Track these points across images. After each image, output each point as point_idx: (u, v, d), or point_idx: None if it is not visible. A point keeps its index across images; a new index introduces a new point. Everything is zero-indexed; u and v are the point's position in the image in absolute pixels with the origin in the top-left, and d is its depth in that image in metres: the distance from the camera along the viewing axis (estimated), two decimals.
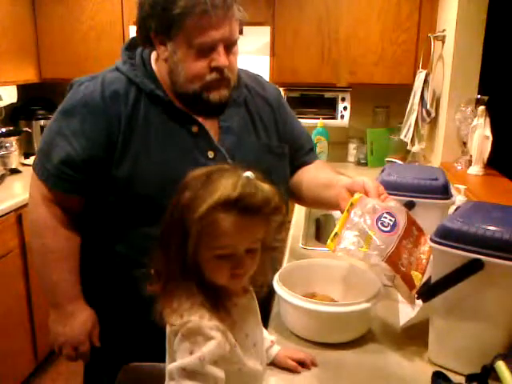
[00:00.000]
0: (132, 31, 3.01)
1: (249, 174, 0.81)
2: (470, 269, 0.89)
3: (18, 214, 2.40)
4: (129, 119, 1.16)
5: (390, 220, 1.00)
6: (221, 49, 1.14)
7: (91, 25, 3.04)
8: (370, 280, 1.20)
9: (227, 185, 0.78)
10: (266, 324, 1.18)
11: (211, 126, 1.24)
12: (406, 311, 1.13)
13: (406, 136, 2.73)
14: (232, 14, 1.13)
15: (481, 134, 2.15)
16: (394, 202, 1.07)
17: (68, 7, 3.04)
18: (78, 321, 1.23)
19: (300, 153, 1.43)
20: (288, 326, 1.16)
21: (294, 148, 1.40)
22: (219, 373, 0.77)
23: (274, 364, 1.03)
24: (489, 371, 0.89)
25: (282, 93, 1.45)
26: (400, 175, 1.33)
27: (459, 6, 2.33)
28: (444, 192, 1.30)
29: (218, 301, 0.81)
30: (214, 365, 0.77)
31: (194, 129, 1.21)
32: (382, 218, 1.00)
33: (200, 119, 1.22)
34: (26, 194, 2.46)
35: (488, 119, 2.16)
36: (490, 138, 2.15)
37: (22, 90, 3.12)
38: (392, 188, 1.26)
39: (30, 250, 2.45)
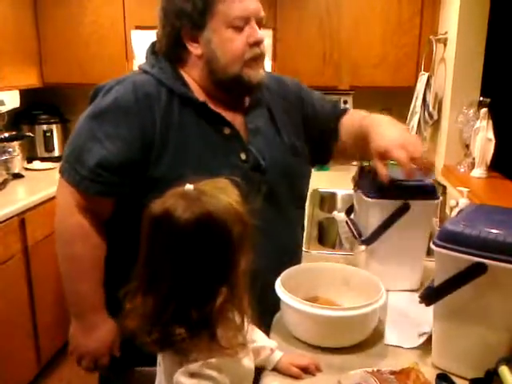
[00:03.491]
0: (135, 35, 3.02)
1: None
2: (473, 272, 0.89)
3: (21, 219, 2.41)
4: (164, 120, 1.16)
5: None
6: (254, 23, 1.18)
7: (93, 29, 3.05)
8: (373, 283, 1.19)
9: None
10: (268, 328, 1.18)
11: (240, 128, 1.25)
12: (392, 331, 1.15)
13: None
14: None
15: (483, 137, 2.15)
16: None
17: (70, 11, 3.05)
18: (100, 333, 1.20)
19: (330, 117, 1.46)
20: (290, 330, 1.16)
21: (322, 118, 1.44)
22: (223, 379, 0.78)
23: (277, 370, 1.03)
24: (492, 376, 0.88)
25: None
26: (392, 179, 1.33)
27: (461, 8, 2.33)
28: (432, 192, 1.33)
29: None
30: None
31: (226, 131, 1.23)
32: None
33: (230, 117, 1.24)
34: (28, 199, 2.50)
35: (491, 121, 2.15)
36: (493, 141, 2.14)
37: (25, 94, 3.12)
38: (385, 192, 1.28)
39: (34, 255, 2.46)
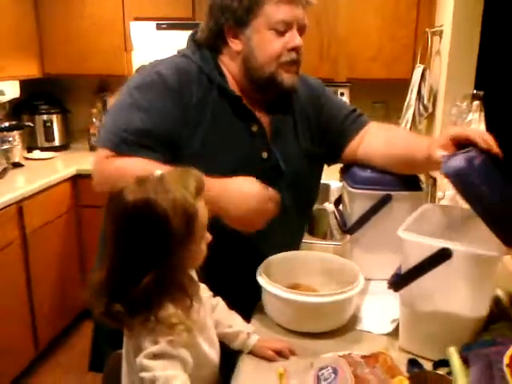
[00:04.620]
0: (134, 27, 3.04)
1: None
2: (438, 258, 0.91)
3: (19, 207, 2.45)
4: (200, 105, 1.20)
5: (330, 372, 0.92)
6: (295, 30, 1.21)
7: (93, 21, 3.07)
8: (352, 272, 1.22)
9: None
10: (249, 314, 1.22)
11: (265, 127, 1.29)
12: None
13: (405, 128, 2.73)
14: None
15: (471, 128, 2.15)
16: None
17: (70, 3, 3.08)
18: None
19: (347, 123, 1.43)
20: (270, 316, 1.19)
21: (339, 123, 1.42)
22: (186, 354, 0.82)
23: (253, 353, 1.06)
24: None
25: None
26: (374, 170, 1.37)
27: (456, 1, 2.33)
28: (416, 184, 1.35)
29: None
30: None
31: (254, 128, 1.27)
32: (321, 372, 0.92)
33: (257, 115, 1.27)
34: (27, 187, 2.54)
35: (483, 114, 2.16)
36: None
37: (26, 84, 3.16)
38: (369, 183, 1.30)
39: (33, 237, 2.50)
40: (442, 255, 0.90)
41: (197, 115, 1.20)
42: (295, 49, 1.22)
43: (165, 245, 0.82)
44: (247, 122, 1.27)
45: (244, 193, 1.12)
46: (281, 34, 1.20)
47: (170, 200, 0.81)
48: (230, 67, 1.27)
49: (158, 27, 3.00)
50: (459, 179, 0.98)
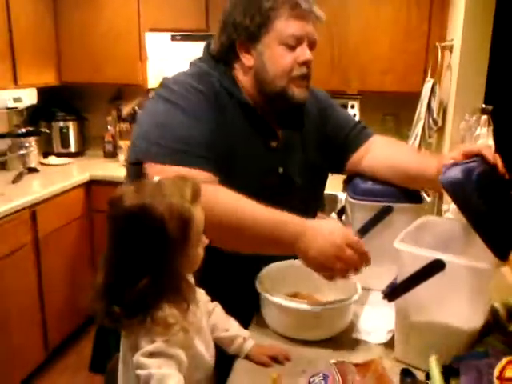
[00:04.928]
0: (149, 37, 3.12)
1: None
2: (431, 269, 0.93)
3: (33, 211, 2.51)
4: (222, 117, 1.22)
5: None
6: (305, 44, 1.24)
7: (109, 31, 3.16)
8: (350, 281, 1.23)
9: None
10: (247, 321, 1.24)
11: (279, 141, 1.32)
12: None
13: (413, 144, 2.74)
14: (315, 11, 1.24)
15: (483, 143, 2.16)
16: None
17: (87, 13, 3.17)
18: (324, 231, 1.09)
19: (352, 134, 1.46)
20: (267, 322, 1.21)
21: (344, 134, 1.45)
22: (181, 355, 0.84)
23: (249, 358, 1.08)
24: (449, 371, 0.93)
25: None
26: (375, 182, 1.38)
27: (465, 15, 2.34)
28: (417, 196, 1.36)
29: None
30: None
31: (273, 143, 1.31)
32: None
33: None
34: (41, 192, 2.60)
35: (491, 128, 2.16)
36: (493, 148, 2.15)
37: (43, 91, 3.24)
38: (369, 194, 1.32)
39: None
40: (435, 266, 0.92)
41: (220, 126, 1.21)
42: (306, 63, 1.24)
43: (161, 248, 0.85)
44: (266, 137, 1.30)
45: (326, 231, 1.07)
46: (291, 48, 1.23)
47: (166, 204, 0.84)
48: (243, 81, 1.29)
49: (173, 38, 3.08)
50: (454, 190, 1.00)
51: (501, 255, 0.95)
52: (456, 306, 0.97)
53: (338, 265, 1.06)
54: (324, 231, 1.08)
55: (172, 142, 1.14)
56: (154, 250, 0.85)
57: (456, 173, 1.00)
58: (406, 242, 1.01)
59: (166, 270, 0.86)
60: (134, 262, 0.86)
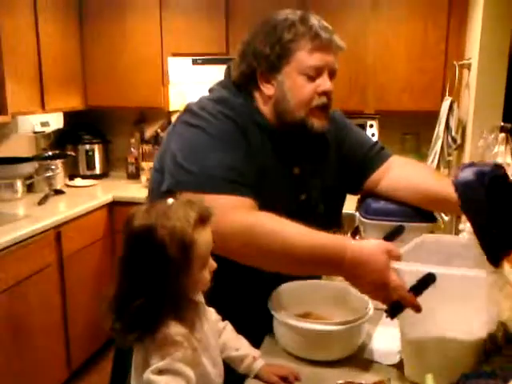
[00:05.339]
0: (171, 62, 3.20)
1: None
2: (424, 283, 0.95)
3: (57, 232, 2.58)
4: (248, 144, 1.23)
5: None
6: (326, 75, 1.24)
7: (133, 56, 3.27)
8: (363, 301, 1.23)
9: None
10: (258, 341, 1.25)
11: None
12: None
13: (432, 162, 2.73)
14: (335, 41, 1.26)
15: (502, 162, 2.14)
16: None
17: (113, 40, 3.29)
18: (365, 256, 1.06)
19: (371, 153, 1.46)
20: (279, 342, 1.22)
21: (362, 153, 1.45)
22: (190, 372, 0.87)
23: (258, 378, 1.09)
24: None
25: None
26: (388, 201, 1.38)
27: (482, 34, 2.35)
28: (429, 215, 1.36)
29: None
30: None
31: (296, 170, 1.32)
32: None
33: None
34: (67, 213, 2.68)
35: (509, 146, 2.14)
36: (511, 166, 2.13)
37: (69, 116, 3.36)
38: (381, 213, 1.32)
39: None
40: (428, 280, 0.94)
41: (250, 153, 1.23)
42: (326, 93, 1.25)
43: (162, 269, 0.88)
44: (290, 164, 1.31)
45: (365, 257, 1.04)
46: (312, 78, 1.23)
47: (168, 228, 0.87)
48: (263, 110, 1.30)
49: (194, 62, 3.16)
50: (463, 189, 1.01)
51: (494, 260, 0.98)
52: (455, 318, 0.97)
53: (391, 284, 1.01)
54: (363, 258, 1.04)
55: (213, 170, 1.14)
56: (155, 270, 0.88)
57: (468, 174, 1.02)
58: (406, 261, 1.02)
59: (167, 291, 0.88)
60: (138, 279, 0.89)
